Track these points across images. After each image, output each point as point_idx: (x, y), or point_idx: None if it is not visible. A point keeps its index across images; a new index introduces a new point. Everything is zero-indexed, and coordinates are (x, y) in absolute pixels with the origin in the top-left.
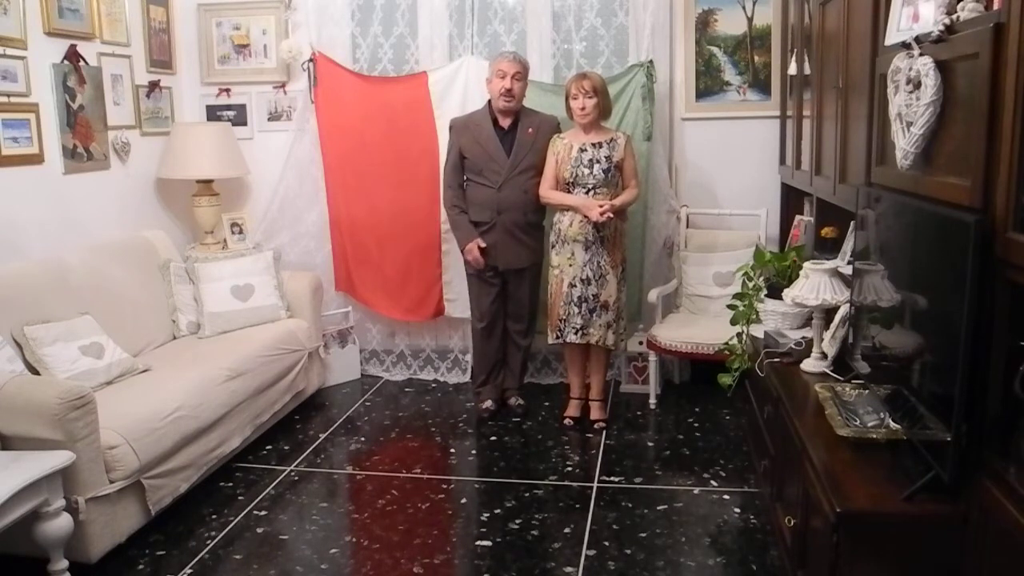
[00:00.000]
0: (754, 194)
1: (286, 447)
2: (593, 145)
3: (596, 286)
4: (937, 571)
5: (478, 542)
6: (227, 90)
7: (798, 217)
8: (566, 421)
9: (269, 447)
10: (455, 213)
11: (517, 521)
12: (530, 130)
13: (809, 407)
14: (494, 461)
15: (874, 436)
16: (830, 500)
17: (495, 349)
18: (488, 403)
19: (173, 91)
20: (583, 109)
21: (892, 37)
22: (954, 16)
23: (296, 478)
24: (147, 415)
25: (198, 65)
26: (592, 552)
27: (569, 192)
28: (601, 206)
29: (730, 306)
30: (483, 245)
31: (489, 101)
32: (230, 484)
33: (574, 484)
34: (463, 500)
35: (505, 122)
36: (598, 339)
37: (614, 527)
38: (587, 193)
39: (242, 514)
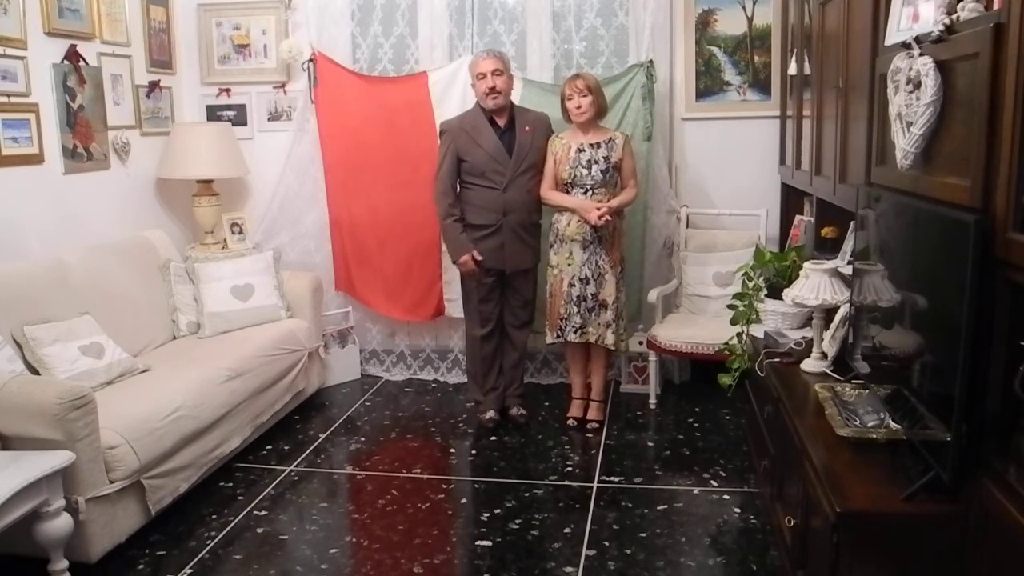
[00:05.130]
0: (754, 194)
1: (286, 447)
2: (591, 145)
3: (595, 285)
4: (937, 571)
5: (478, 542)
6: (227, 90)
7: (798, 217)
8: (569, 421)
9: (269, 447)
10: (450, 223)
11: (517, 521)
12: (527, 128)
13: (809, 407)
14: (494, 461)
15: (874, 436)
16: (830, 500)
17: (494, 353)
18: (491, 414)
19: (173, 91)
20: (579, 108)
21: (892, 37)
22: (954, 16)
23: (296, 478)
24: (147, 415)
25: (198, 65)
26: (592, 552)
27: (567, 192)
28: (599, 209)
29: (730, 306)
30: (479, 258)
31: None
32: (230, 484)
33: (574, 484)
34: (463, 500)
35: (501, 121)
36: (597, 338)
37: (614, 527)
38: (585, 194)
39: (242, 514)
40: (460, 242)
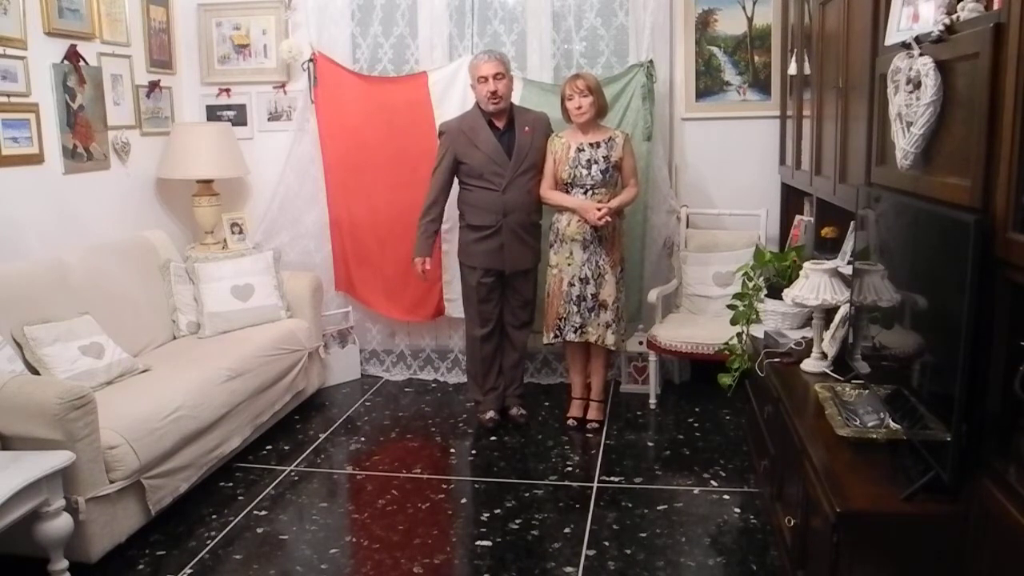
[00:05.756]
0: (754, 194)
1: (286, 447)
2: (591, 145)
3: (594, 285)
4: (937, 571)
5: (478, 542)
6: (227, 90)
7: (798, 217)
8: (569, 421)
9: (269, 447)
10: (424, 222)
11: (517, 521)
12: (526, 129)
13: (809, 407)
14: (494, 461)
15: (874, 436)
16: (830, 500)
17: (493, 353)
18: (491, 414)
19: (173, 91)
20: (580, 108)
21: (892, 37)
22: (954, 16)
23: (296, 478)
24: (147, 415)
25: (198, 65)
26: (592, 552)
27: (567, 191)
28: (599, 209)
29: (730, 306)
30: (428, 268)
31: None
32: (230, 484)
33: (574, 484)
34: (463, 500)
35: (500, 122)
36: (597, 338)
37: (614, 527)
38: (585, 193)
39: (242, 514)
40: (421, 244)
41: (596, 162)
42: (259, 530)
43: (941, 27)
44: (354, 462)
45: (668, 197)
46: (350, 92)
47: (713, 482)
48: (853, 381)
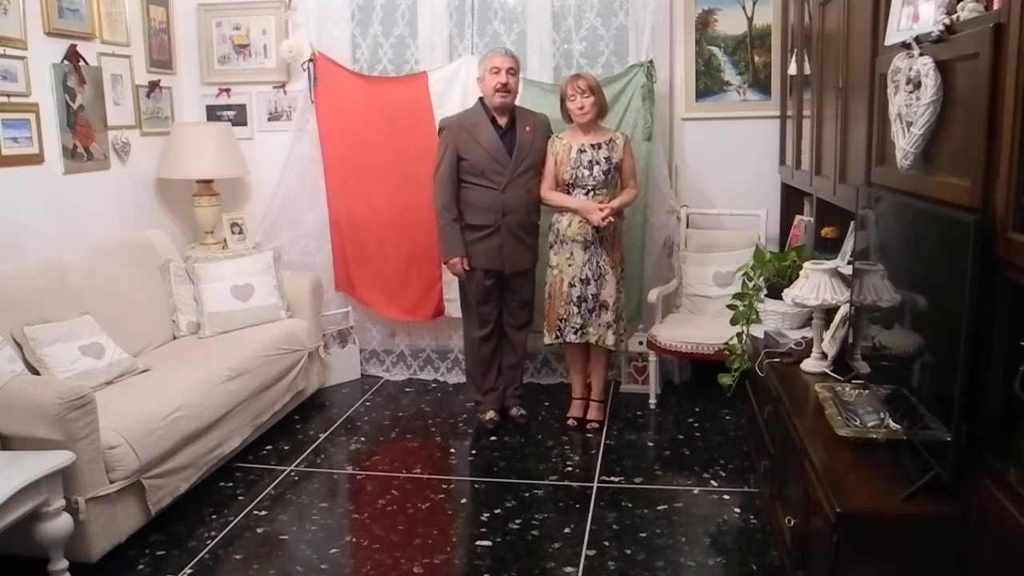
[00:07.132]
0: (754, 194)
1: (286, 447)
2: (592, 146)
3: (595, 286)
4: (937, 571)
5: (478, 542)
6: (227, 90)
7: (798, 217)
8: (569, 421)
9: (269, 447)
10: (447, 221)
11: (517, 521)
12: (527, 128)
13: (809, 407)
14: (494, 461)
15: (874, 436)
16: (830, 500)
17: (492, 353)
18: (491, 414)
19: (173, 91)
20: (582, 109)
21: (892, 37)
22: (954, 16)
23: (296, 478)
24: (147, 415)
25: (198, 65)
26: (592, 552)
27: (568, 192)
28: (601, 209)
29: (730, 306)
30: (467, 268)
31: (481, 100)
32: (230, 484)
33: (574, 484)
34: (463, 500)
35: (502, 120)
36: (598, 339)
37: (614, 527)
38: (587, 194)
39: (242, 514)
40: (454, 242)
41: (598, 163)
42: (259, 530)
43: (941, 27)
44: (354, 462)
45: (668, 197)
46: (350, 92)
47: (713, 482)
48: (853, 381)
